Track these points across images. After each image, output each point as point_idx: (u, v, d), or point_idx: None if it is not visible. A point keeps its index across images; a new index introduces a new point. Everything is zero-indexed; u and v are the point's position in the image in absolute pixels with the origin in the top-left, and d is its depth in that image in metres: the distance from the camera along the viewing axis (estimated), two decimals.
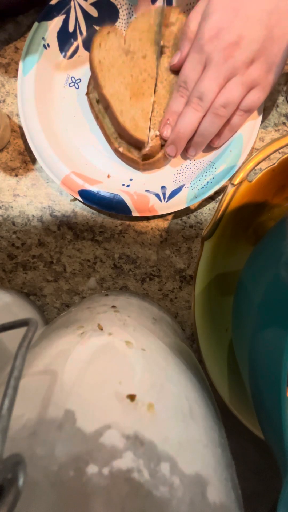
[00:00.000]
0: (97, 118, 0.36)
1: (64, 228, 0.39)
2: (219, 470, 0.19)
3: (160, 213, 0.36)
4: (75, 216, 0.39)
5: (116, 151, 0.36)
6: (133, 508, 0.15)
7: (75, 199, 0.38)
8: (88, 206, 0.39)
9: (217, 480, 0.18)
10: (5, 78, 0.38)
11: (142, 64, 0.35)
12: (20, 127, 0.38)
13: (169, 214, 0.39)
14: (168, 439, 0.18)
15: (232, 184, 0.28)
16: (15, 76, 0.38)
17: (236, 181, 0.28)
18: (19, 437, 0.16)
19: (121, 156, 0.37)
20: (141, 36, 0.35)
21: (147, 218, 0.39)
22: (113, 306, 0.29)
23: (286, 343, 0.17)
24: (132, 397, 0.19)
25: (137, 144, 0.35)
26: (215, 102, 0.32)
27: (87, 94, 0.36)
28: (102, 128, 0.37)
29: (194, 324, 0.30)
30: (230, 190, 0.28)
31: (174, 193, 0.36)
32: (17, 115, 0.39)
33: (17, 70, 0.38)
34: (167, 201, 0.36)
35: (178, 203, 0.36)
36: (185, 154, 0.36)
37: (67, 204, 0.39)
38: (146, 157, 0.35)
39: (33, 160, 0.39)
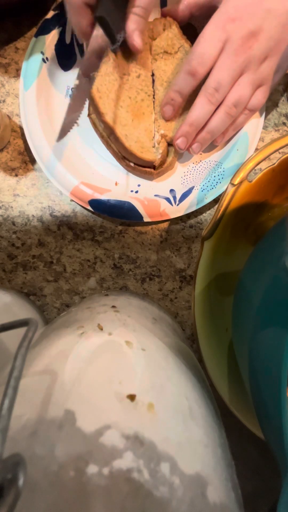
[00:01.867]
0: (102, 137, 0.36)
1: (64, 228, 0.39)
2: (219, 470, 0.19)
3: (172, 217, 0.36)
4: (75, 216, 0.39)
5: (127, 166, 0.36)
6: (133, 508, 0.15)
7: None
8: (98, 215, 0.39)
9: (217, 480, 0.18)
10: (5, 78, 0.38)
11: (138, 84, 0.35)
12: (20, 127, 0.38)
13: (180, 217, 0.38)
14: (168, 439, 0.18)
15: (232, 184, 0.28)
16: (15, 76, 0.38)
17: (236, 181, 0.28)
18: (19, 437, 0.16)
19: (133, 170, 0.37)
20: (133, 58, 0.35)
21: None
22: (113, 306, 0.29)
23: (286, 343, 0.17)
24: (132, 397, 0.19)
25: (145, 165, 0.35)
26: (227, 99, 0.32)
27: (89, 115, 0.36)
28: (109, 146, 0.36)
29: (194, 324, 0.30)
30: (230, 190, 0.28)
31: (184, 195, 0.36)
32: (17, 115, 0.39)
33: (17, 70, 0.38)
34: (178, 204, 0.36)
35: (189, 205, 0.36)
36: (189, 151, 0.35)
37: (67, 204, 0.39)
38: (160, 164, 0.35)
39: (33, 160, 0.39)
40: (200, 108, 0.32)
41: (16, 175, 0.39)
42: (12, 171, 0.39)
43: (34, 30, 0.38)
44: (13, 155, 0.38)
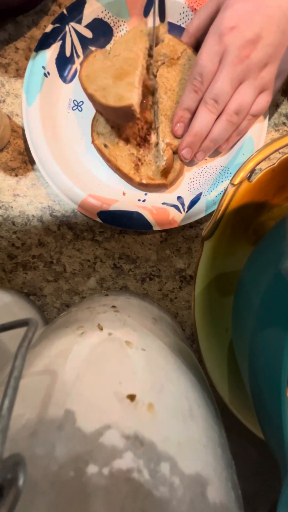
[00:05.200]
0: (109, 161, 0.36)
1: (64, 228, 0.39)
2: (219, 470, 0.19)
3: (181, 224, 0.36)
4: (75, 216, 0.39)
5: (140, 185, 0.36)
6: (133, 508, 0.15)
7: None
8: (108, 225, 0.39)
9: (217, 480, 0.18)
10: (5, 78, 0.38)
11: (127, 55, 0.34)
12: (21, 127, 0.38)
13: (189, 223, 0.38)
14: (168, 439, 0.18)
15: (232, 184, 0.28)
16: (15, 76, 0.38)
17: (236, 181, 0.28)
18: (19, 437, 0.16)
19: (146, 187, 0.36)
20: (127, 43, 0.34)
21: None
22: (113, 306, 0.29)
23: (286, 343, 0.17)
24: (132, 397, 0.19)
25: (125, 117, 0.33)
26: (228, 107, 0.32)
27: (93, 142, 0.36)
28: (118, 170, 0.36)
29: (194, 324, 0.30)
30: (230, 190, 0.28)
31: (193, 202, 0.36)
32: (17, 115, 0.39)
33: (17, 70, 0.38)
34: (187, 212, 0.36)
35: (198, 212, 0.36)
36: (192, 159, 0.36)
37: (67, 204, 0.39)
38: (165, 171, 0.35)
39: (33, 161, 0.39)
40: (202, 118, 0.33)
41: (16, 175, 0.39)
42: (12, 171, 0.39)
43: (34, 30, 0.38)
44: (13, 155, 0.38)
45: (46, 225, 0.39)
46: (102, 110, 0.35)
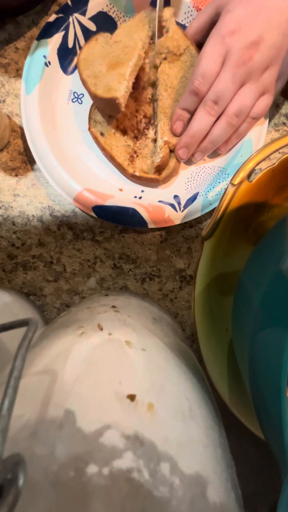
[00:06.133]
0: (104, 149, 0.36)
1: (64, 228, 0.39)
2: (219, 470, 0.19)
3: (176, 223, 0.36)
4: (75, 216, 0.39)
5: (133, 176, 0.36)
6: (133, 508, 0.15)
7: None
8: (108, 225, 0.39)
9: (217, 480, 0.18)
10: (5, 78, 0.38)
11: (127, 42, 0.33)
12: (20, 127, 0.38)
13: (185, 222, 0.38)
14: (168, 439, 0.18)
15: (232, 184, 0.28)
16: (15, 76, 0.38)
17: (236, 181, 0.28)
18: (19, 437, 0.16)
19: (138, 180, 0.36)
20: (130, 29, 0.34)
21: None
22: (113, 306, 0.29)
23: (286, 343, 0.17)
24: (132, 397, 0.19)
25: (112, 108, 0.33)
26: (228, 109, 0.32)
27: (90, 129, 0.36)
28: (112, 159, 0.36)
29: (194, 324, 0.30)
30: (230, 190, 0.28)
31: (189, 202, 0.36)
32: (17, 115, 0.39)
33: (17, 70, 0.38)
34: (183, 211, 0.36)
35: (194, 212, 0.36)
36: (190, 158, 0.36)
37: (67, 204, 0.39)
38: (159, 168, 0.35)
39: (33, 160, 0.39)
40: (200, 120, 0.33)
41: (16, 175, 0.39)
42: (12, 171, 0.39)
43: (34, 30, 0.38)
44: (13, 155, 0.38)
45: (46, 225, 0.39)
46: (92, 97, 0.34)
